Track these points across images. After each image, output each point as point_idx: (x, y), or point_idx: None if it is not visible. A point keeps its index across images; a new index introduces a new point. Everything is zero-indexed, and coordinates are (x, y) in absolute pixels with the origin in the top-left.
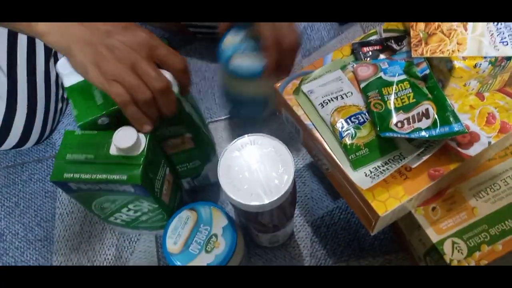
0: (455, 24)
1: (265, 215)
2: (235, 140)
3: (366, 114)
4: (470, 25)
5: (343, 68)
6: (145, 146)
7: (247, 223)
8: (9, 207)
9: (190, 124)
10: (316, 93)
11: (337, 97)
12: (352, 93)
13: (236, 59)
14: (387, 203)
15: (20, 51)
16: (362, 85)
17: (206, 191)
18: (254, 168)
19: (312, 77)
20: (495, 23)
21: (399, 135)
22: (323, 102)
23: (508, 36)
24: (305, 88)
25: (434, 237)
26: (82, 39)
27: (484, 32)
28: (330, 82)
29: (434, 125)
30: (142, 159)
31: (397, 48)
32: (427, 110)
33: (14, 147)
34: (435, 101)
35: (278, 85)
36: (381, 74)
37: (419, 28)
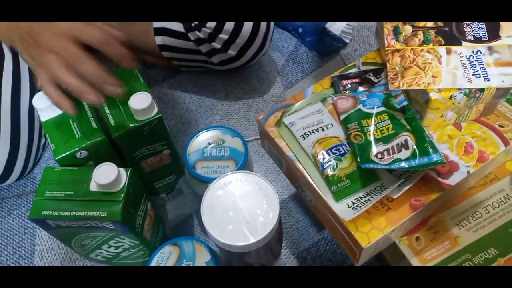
0: (429, 57)
1: (252, 254)
2: (218, 178)
3: (347, 145)
4: (444, 58)
5: (323, 100)
6: (125, 182)
7: (233, 264)
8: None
9: (169, 140)
10: (297, 125)
11: (318, 129)
12: (332, 125)
13: (201, 164)
14: (370, 235)
15: (5, 87)
16: (342, 117)
17: (187, 222)
18: (238, 207)
19: (293, 110)
20: (468, 56)
21: (379, 167)
22: (304, 134)
23: (480, 69)
24: (286, 120)
25: None
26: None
27: (458, 65)
28: (310, 114)
29: (413, 155)
30: (122, 195)
31: (376, 80)
32: (406, 141)
33: None
34: (414, 132)
35: (261, 117)
36: (360, 106)
37: (395, 62)
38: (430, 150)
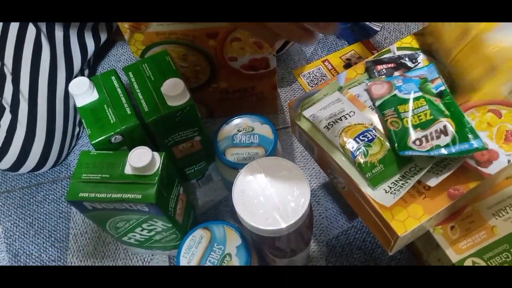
0: None
1: (282, 239)
2: (249, 164)
3: (373, 130)
4: None
5: (340, 89)
6: (159, 165)
7: (263, 248)
8: (23, 227)
9: (201, 127)
10: (318, 116)
11: (340, 118)
12: (354, 112)
13: (230, 151)
14: (407, 223)
15: (42, 78)
16: (377, 103)
17: (217, 209)
18: (269, 192)
19: (311, 102)
20: None
21: (418, 154)
22: (328, 124)
23: None
24: (306, 113)
25: (454, 257)
26: None
27: None
28: (330, 104)
29: (453, 142)
30: (156, 178)
31: (411, 65)
32: (445, 127)
33: (30, 171)
34: (453, 117)
35: (292, 103)
36: (396, 91)
37: None
38: (471, 136)
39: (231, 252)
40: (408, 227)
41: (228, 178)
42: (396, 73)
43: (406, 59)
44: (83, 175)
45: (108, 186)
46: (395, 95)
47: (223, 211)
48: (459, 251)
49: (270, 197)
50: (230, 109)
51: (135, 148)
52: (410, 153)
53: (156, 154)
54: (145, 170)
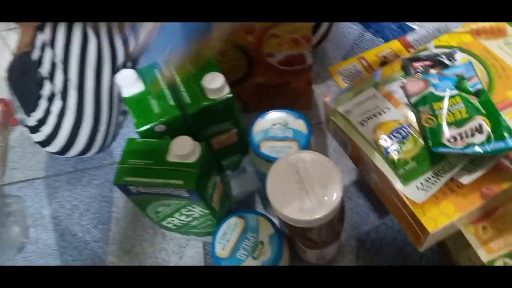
0: None
1: (314, 230)
2: (283, 156)
3: (407, 127)
4: None
5: (376, 85)
6: (200, 154)
7: (295, 239)
8: (69, 209)
9: (238, 120)
10: (353, 112)
11: (375, 114)
12: (389, 109)
13: (265, 144)
14: (438, 220)
15: (89, 67)
16: (412, 100)
17: (250, 200)
18: (302, 184)
19: (346, 98)
20: None
21: (452, 151)
22: (362, 120)
23: None
24: (341, 109)
25: (485, 257)
26: None
27: None
28: (365, 100)
29: (488, 140)
30: (197, 165)
31: (449, 63)
32: (480, 125)
33: (77, 155)
34: (489, 116)
35: (327, 98)
36: (432, 89)
37: None
38: (506, 134)
39: (264, 240)
40: (438, 224)
41: (262, 170)
42: (433, 71)
43: (443, 57)
44: (129, 160)
45: (152, 172)
46: (431, 92)
47: (256, 202)
48: (490, 251)
49: (303, 189)
50: (265, 103)
51: (177, 137)
52: (444, 150)
53: (196, 143)
54: (187, 157)
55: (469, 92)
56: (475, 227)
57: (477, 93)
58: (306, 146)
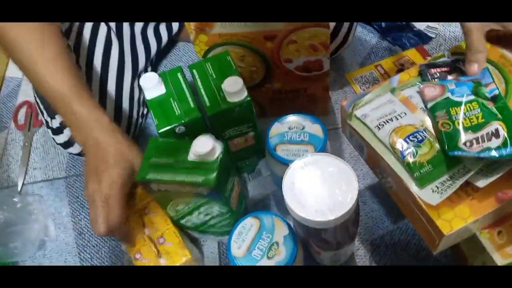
0: None
1: (329, 232)
2: (299, 158)
3: (424, 131)
4: None
5: (393, 91)
6: (220, 154)
7: (309, 240)
8: (89, 208)
9: (255, 123)
10: (370, 116)
11: (391, 118)
12: (406, 114)
13: (281, 147)
14: (453, 223)
15: (111, 72)
16: (429, 105)
17: (265, 202)
18: (317, 186)
19: (363, 102)
20: None
21: (468, 155)
22: (379, 124)
23: None
24: (358, 113)
25: (500, 261)
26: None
27: None
28: (382, 105)
29: (504, 144)
30: (216, 164)
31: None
32: (496, 130)
33: None
34: (505, 121)
35: (345, 102)
36: (449, 94)
37: None
38: None
39: (279, 241)
40: (454, 226)
41: (278, 173)
42: (450, 77)
43: (460, 63)
44: (152, 158)
45: (173, 170)
46: (447, 97)
47: (271, 205)
48: (506, 256)
49: (319, 191)
50: (282, 108)
51: (198, 137)
52: (460, 153)
53: (217, 142)
54: (207, 156)
55: (485, 98)
56: (490, 232)
57: (494, 99)
58: (322, 150)
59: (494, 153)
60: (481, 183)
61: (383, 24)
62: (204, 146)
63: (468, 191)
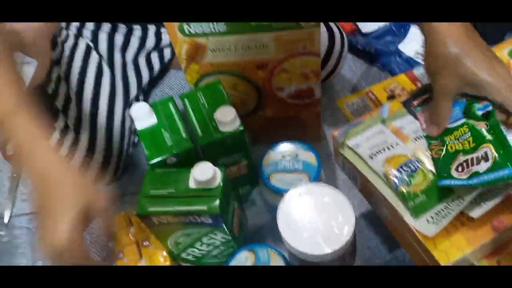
0: None
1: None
2: (294, 189)
3: (416, 162)
4: None
5: (383, 121)
6: (221, 179)
7: None
8: None
9: (248, 152)
10: (362, 146)
11: (384, 148)
12: (397, 144)
13: (275, 176)
14: (449, 253)
15: (102, 101)
16: (424, 133)
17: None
18: (313, 217)
19: (354, 132)
20: None
21: (457, 183)
22: (372, 154)
23: None
24: (350, 142)
25: None
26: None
27: None
28: (373, 135)
29: (493, 168)
30: (219, 190)
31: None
32: (486, 153)
33: None
34: (495, 143)
35: (336, 132)
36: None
37: None
38: (510, 163)
39: None
40: (451, 257)
41: (272, 202)
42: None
43: (426, 95)
44: (152, 191)
45: (175, 200)
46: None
47: (265, 235)
48: None
49: (314, 222)
50: (274, 135)
51: (196, 164)
52: (448, 182)
53: (217, 169)
54: (209, 183)
55: (477, 118)
56: (489, 261)
57: (487, 115)
58: (316, 179)
59: (482, 178)
60: (475, 213)
61: (372, 50)
62: (206, 172)
63: (463, 221)
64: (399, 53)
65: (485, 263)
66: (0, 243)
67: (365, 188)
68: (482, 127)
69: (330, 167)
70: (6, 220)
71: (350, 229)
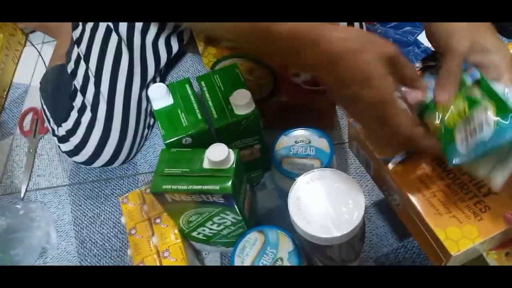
0: None
1: (334, 249)
2: (305, 173)
3: None
4: None
5: None
6: (234, 161)
7: (314, 257)
8: (91, 217)
9: (261, 136)
10: None
11: None
12: None
13: (287, 161)
14: (460, 243)
15: (120, 81)
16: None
17: (269, 216)
18: (324, 202)
19: None
20: None
21: (467, 160)
22: None
23: None
24: None
25: None
26: None
27: None
28: None
29: (497, 131)
30: (232, 171)
31: (436, 63)
32: (486, 118)
33: (103, 165)
34: (494, 102)
35: (352, 119)
36: (431, 93)
37: None
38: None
39: (283, 256)
40: (461, 247)
41: (283, 186)
42: (427, 74)
43: (431, 62)
44: (165, 170)
45: (189, 179)
46: (431, 97)
47: (275, 219)
48: None
49: (325, 207)
50: (288, 121)
51: (212, 145)
52: (459, 160)
53: (231, 150)
54: (222, 164)
55: (467, 86)
56: (498, 253)
57: (477, 83)
58: (328, 165)
59: (490, 144)
60: (496, 182)
61: (390, 39)
62: (219, 154)
63: (477, 212)
64: (417, 44)
65: (493, 255)
66: (17, 216)
67: (378, 175)
68: (476, 92)
69: (343, 156)
70: (22, 194)
71: (359, 215)
